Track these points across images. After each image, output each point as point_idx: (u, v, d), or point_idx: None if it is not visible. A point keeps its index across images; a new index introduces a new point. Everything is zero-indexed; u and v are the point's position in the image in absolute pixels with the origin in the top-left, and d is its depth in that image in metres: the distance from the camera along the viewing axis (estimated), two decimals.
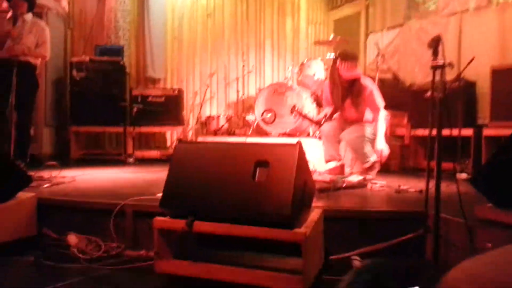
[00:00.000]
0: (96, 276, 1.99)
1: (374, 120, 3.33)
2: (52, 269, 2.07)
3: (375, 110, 3.32)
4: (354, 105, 3.38)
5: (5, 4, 3.88)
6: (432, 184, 2.03)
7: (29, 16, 3.77)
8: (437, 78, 1.99)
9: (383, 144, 3.25)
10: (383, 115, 3.34)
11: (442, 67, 1.82)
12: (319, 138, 3.87)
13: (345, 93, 3.38)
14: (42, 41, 3.80)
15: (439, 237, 1.95)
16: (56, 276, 1.98)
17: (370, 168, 3.30)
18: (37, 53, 3.78)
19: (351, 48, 5.72)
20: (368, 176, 3.24)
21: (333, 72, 3.43)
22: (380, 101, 3.34)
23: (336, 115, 3.60)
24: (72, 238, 2.30)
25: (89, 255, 2.19)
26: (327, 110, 3.67)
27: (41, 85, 4.21)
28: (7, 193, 2.39)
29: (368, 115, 3.41)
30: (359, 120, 3.41)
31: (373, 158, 3.28)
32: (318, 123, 3.70)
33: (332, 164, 3.48)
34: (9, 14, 3.72)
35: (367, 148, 3.29)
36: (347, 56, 3.30)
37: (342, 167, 3.56)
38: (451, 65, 1.83)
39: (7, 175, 2.42)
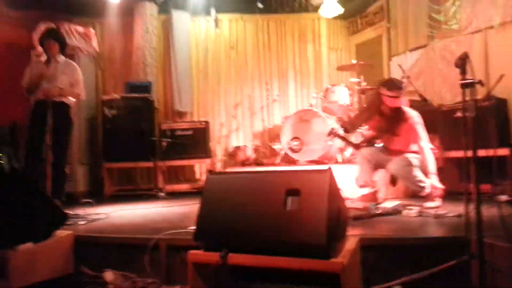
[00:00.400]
0: None
1: (420, 152, 3.22)
2: None
3: (417, 141, 3.22)
4: (396, 135, 3.30)
5: (39, 48, 4.10)
6: (471, 207, 1.96)
7: (61, 58, 3.95)
8: (467, 97, 1.94)
9: (436, 181, 3.11)
10: (428, 147, 3.21)
11: (472, 85, 1.78)
12: (356, 161, 3.77)
13: (388, 121, 3.31)
14: (76, 81, 3.96)
15: (484, 262, 1.86)
16: None
17: (429, 195, 3.17)
18: (72, 92, 3.93)
19: (375, 72, 5.74)
20: (430, 204, 3.12)
21: (376, 100, 3.36)
22: (422, 133, 3.23)
23: (376, 141, 3.53)
24: (109, 275, 2.33)
25: None
26: (367, 134, 3.62)
27: (75, 124, 4.36)
28: (46, 232, 2.46)
29: (413, 147, 3.30)
30: (402, 151, 3.31)
31: (428, 182, 3.15)
32: (357, 147, 3.62)
33: (366, 190, 3.40)
34: (43, 57, 3.92)
35: (418, 173, 3.17)
36: (392, 85, 3.22)
37: (375, 193, 3.46)
38: (480, 82, 1.79)
39: (45, 213, 2.50)
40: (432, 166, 3.15)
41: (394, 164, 3.27)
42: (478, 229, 1.87)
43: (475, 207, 1.91)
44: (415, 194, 3.31)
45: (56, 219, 2.58)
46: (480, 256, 1.82)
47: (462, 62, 1.85)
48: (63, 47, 4.00)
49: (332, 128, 4.10)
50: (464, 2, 4.55)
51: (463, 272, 2.08)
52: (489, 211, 2.24)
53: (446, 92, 4.54)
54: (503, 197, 3.35)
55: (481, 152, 2.03)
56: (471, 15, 4.47)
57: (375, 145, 3.50)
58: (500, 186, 3.60)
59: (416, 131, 3.22)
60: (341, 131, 4.08)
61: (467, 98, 1.97)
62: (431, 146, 3.27)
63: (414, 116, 3.28)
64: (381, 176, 3.52)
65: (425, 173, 3.18)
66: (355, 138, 4.06)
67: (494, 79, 3.71)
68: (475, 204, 1.91)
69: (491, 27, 4.28)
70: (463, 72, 1.83)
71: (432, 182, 3.11)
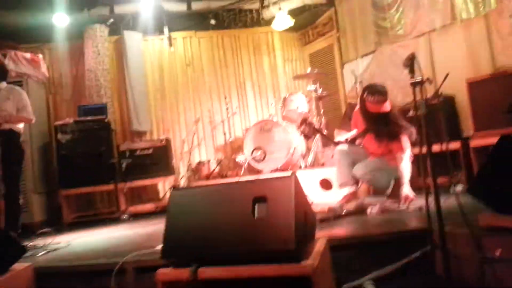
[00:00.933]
0: None
1: (398, 161, 3.16)
2: None
3: (399, 150, 3.18)
4: (378, 140, 3.26)
5: None
6: (430, 200, 2.04)
7: (3, 84, 3.76)
8: (417, 95, 2.03)
9: (408, 190, 3.09)
10: (408, 157, 3.19)
11: (421, 83, 1.87)
12: (333, 159, 3.66)
13: (371, 125, 3.26)
14: (23, 105, 3.77)
15: (447, 251, 1.93)
16: None
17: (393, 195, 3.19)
18: (21, 117, 3.75)
19: (330, 79, 5.91)
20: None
21: (361, 105, 3.29)
22: (406, 142, 3.19)
23: (358, 142, 3.45)
24: None
25: None
26: (349, 134, 3.50)
27: (27, 152, 4.16)
28: (2, 266, 2.31)
29: (392, 153, 3.25)
30: (383, 155, 3.28)
31: (390, 188, 3.18)
32: (335, 144, 3.54)
33: (346, 191, 3.31)
34: None
35: (383, 179, 3.19)
36: (374, 90, 3.17)
37: (355, 192, 3.40)
38: (429, 80, 1.89)
39: (1, 247, 2.35)
40: (407, 175, 3.12)
41: (361, 168, 3.23)
42: (439, 220, 1.93)
43: (434, 199, 1.98)
44: (377, 192, 3.38)
45: (12, 252, 2.43)
46: (443, 245, 1.89)
47: (410, 62, 1.94)
48: (4, 74, 3.82)
49: (306, 117, 4.02)
50: (407, 8, 4.81)
51: (428, 263, 2.16)
52: (447, 202, 2.33)
53: (397, 94, 4.73)
54: (459, 187, 3.52)
55: (435, 147, 2.12)
56: (414, 20, 4.73)
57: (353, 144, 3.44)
58: (455, 177, 3.78)
59: (401, 140, 3.18)
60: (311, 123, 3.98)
61: (417, 97, 2.06)
62: (410, 154, 3.25)
63: (398, 121, 3.24)
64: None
65: (399, 180, 3.18)
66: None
67: (441, 78, 3.91)
68: (434, 196, 1.99)
69: (434, 30, 4.54)
70: (412, 72, 1.92)
71: (405, 191, 3.09)
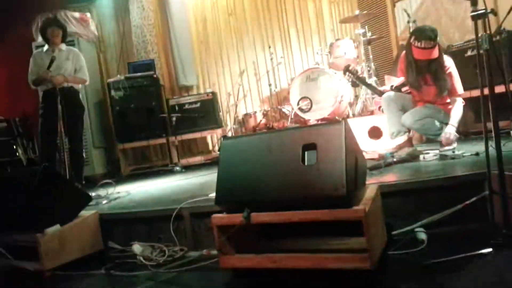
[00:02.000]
0: (164, 280, 2.05)
1: (451, 104, 3.04)
2: (122, 278, 2.16)
3: (452, 94, 3.03)
4: (431, 85, 3.06)
5: (39, 39, 4.06)
6: (489, 144, 1.93)
7: (63, 46, 3.92)
8: (480, 30, 1.84)
9: (453, 133, 2.95)
10: (460, 101, 3.04)
11: (484, 15, 1.69)
12: (382, 108, 3.55)
13: (421, 71, 3.04)
14: (80, 66, 3.95)
15: (506, 196, 1.85)
16: (127, 285, 2.07)
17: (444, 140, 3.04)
18: (78, 78, 3.93)
19: (380, 20, 5.56)
20: (446, 148, 2.99)
21: (407, 50, 3.09)
22: (459, 86, 3.03)
23: (405, 89, 3.27)
24: (137, 247, 2.39)
25: (155, 261, 2.27)
26: (397, 81, 3.32)
27: (85, 109, 4.38)
28: (71, 213, 2.53)
29: (442, 99, 3.10)
30: (430, 102, 3.12)
31: (444, 130, 3.02)
32: (381, 93, 3.39)
33: (401, 139, 3.20)
34: (45, 47, 3.89)
35: (433, 126, 3.05)
36: (422, 35, 2.90)
37: (410, 139, 3.28)
38: (493, 12, 1.70)
39: (68, 196, 2.56)
40: (454, 118, 2.99)
41: (409, 116, 3.10)
42: (499, 164, 1.84)
43: (494, 142, 1.87)
44: (430, 139, 3.25)
45: (79, 200, 2.65)
46: (502, 188, 1.80)
47: None
48: (65, 35, 3.96)
49: (348, 65, 3.85)
50: None
51: (484, 210, 2.08)
52: (507, 146, 2.20)
53: (454, 32, 4.40)
54: None
55: (497, 89, 1.97)
56: None
57: (400, 91, 3.27)
58: None
59: (454, 84, 3.01)
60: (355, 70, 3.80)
61: (480, 32, 1.88)
62: (462, 100, 3.09)
63: (451, 65, 3.04)
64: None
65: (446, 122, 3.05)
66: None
67: (504, 12, 3.56)
68: (494, 139, 1.87)
69: None
70: (474, 3, 1.72)
71: (446, 130, 2.97)
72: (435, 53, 2.92)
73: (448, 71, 3.01)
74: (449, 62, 3.06)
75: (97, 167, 5.31)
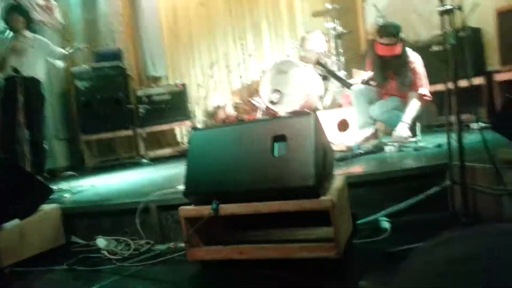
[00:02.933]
0: (130, 274, 2.01)
1: (408, 98, 3.09)
2: (86, 273, 2.09)
3: (414, 89, 3.08)
4: (393, 80, 3.12)
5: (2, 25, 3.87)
6: (451, 136, 1.99)
7: (28, 33, 3.77)
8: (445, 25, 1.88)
9: (405, 130, 3.00)
10: (417, 97, 3.07)
11: (450, 11, 1.74)
12: (351, 101, 3.60)
13: (384, 66, 3.09)
14: (53, 51, 3.94)
15: (466, 186, 1.91)
16: (92, 280, 2.00)
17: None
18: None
19: (351, 15, 5.62)
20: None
21: (372, 46, 3.14)
22: (420, 83, 3.07)
23: (372, 82, 3.31)
24: (101, 242, 2.32)
25: (120, 255, 2.21)
26: (366, 75, 3.37)
27: (48, 99, 4.21)
28: (31, 207, 2.43)
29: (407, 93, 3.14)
30: (395, 95, 3.18)
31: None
32: (350, 85, 3.44)
33: (368, 132, 3.27)
34: (7, 33, 3.71)
35: (397, 120, 3.08)
36: (385, 31, 2.95)
37: (376, 132, 3.36)
38: (459, 8, 1.75)
39: (28, 189, 2.45)
40: (409, 116, 3.03)
41: (377, 108, 3.17)
42: (460, 154, 1.89)
43: (457, 134, 1.93)
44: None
45: (40, 194, 2.55)
46: (462, 179, 1.86)
47: None
48: (29, 21, 3.80)
49: (318, 58, 3.89)
50: None
51: (445, 200, 2.15)
52: (467, 139, 2.27)
53: (421, 28, 4.50)
54: (475, 125, 3.43)
55: (460, 83, 2.03)
56: None
57: (369, 85, 3.32)
58: (474, 114, 3.67)
59: (416, 79, 3.06)
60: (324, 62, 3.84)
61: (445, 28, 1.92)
62: (427, 93, 3.14)
63: (417, 61, 3.09)
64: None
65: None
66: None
67: (467, 9, 3.68)
68: (457, 131, 1.93)
69: None
70: None
71: (397, 129, 3.02)
72: (398, 50, 2.97)
73: (412, 66, 3.07)
74: (414, 57, 3.11)
75: (60, 159, 5.11)
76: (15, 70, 3.44)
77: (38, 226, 2.40)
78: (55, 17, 5.30)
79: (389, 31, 2.95)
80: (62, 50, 3.87)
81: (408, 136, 3.03)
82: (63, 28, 5.61)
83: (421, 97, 3.10)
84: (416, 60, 3.11)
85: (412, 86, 3.10)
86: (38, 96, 3.83)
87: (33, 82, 3.74)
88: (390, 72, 3.09)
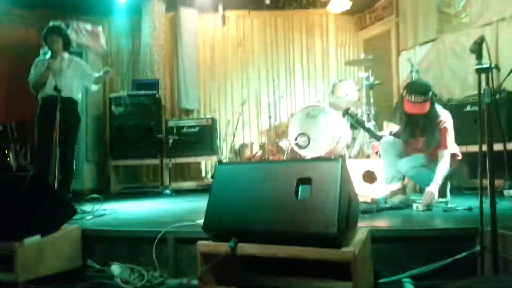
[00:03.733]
0: None
1: (439, 158, 2.99)
2: None
3: (441, 148, 3.00)
4: (422, 138, 3.06)
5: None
6: (483, 200, 1.92)
7: (66, 54, 3.94)
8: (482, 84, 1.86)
9: (435, 189, 2.90)
10: (448, 156, 2.98)
11: (488, 69, 1.72)
12: (377, 154, 3.60)
13: (411, 124, 3.04)
14: (89, 73, 4.03)
15: (497, 253, 1.82)
16: None
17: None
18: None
19: (384, 66, 5.67)
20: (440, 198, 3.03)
21: (400, 102, 3.11)
22: (450, 141, 3.01)
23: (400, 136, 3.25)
24: (116, 268, 2.31)
25: (133, 284, 2.19)
26: (395, 128, 3.35)
27: (82, 121, 4.36)
28: (53, 225, 2.46)
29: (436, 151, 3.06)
30: (423, 151, 3.11)
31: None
32: (379, 137, 3.42)
33: (395, 186, 3.20)
34: (48, 54, 3.90)
35: (425, 177, 3.01)
36: (413, 89, 2.91)
37: (404, 187, 3.28)
38: (497, 67, 1.74)
39: (53, 207, 2.49)
40: (440, 177, 2.93)
41: (406, 163, 3.12)
42: (492, 220, 1.82)
43: (490, 199, 1.86)
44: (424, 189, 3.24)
45: (64, 213, 2.57)
46: (493, 246, 1.77)
47: (478, 46, 1.77)
48: (68, 44, 3.99)
49: (348, 108, 3.88)
50: None
51: (473, 266, 2.05)
52: (499, 205, 2.19)
53: (455, 87, 4.48)
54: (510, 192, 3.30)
55: (495, 146, 1.98)
56: (482, 7, 4.41)
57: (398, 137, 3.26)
58: (509, 181, 3.55)
59: (445, 138, 2.99)
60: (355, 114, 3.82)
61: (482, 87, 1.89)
62: (456, 152, 3.08)
63: (447, 120, 3.03)
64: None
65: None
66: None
67: (505, 73, 3.65)
68: (490, 196, 1.86)
69: (503, 19, 4.21)
70: (479, 57, 1.75)
71: (428, 188, 2.91)
72: (426, 108, 2.92)
73: (442, 126, 3.00)
74: (445, 116, 3.06)
75: (86, 181, 5.21)
76: (56, 89, 3.58)
77: (58, 245, 2.41)
78: (99, 42, 5.60)
79: (417, 89, 2.90)
80: (94, 73, 4.02)
81: (436, 198, 2.93)
82: (106, 54, 5.90)
83: (452, 156, 3.03)
84: (447, 119, 3.05)
85: (441, 145, 3.02)
86: (74, 116, 3.95)
87: (70, 102, 3.87)
88: (418, 130, 3.04)
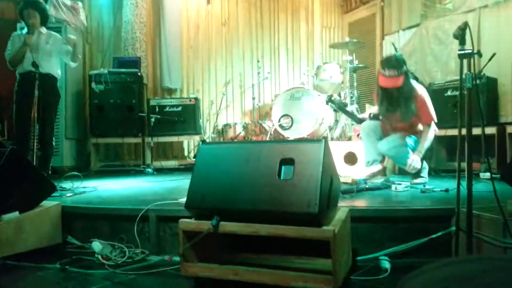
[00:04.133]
0: (121, 281, 1.97)
1: (423, 132, 3.13)
2: (78, 275, 2.06)
3: (426, 122, 3.11)
4: (401, 114, 3.12)
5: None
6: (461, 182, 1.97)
7: (44, 29, 3.82)
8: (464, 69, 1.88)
9: (417, 160, 3.03)
10: (433, 129, 3.11)
11: (470, 55, 1.74)
12: (358, 137, 3.67)
13: (387, 98, 3.09)
14: (66, 50, 3.89)
15: (471, 233, 1.88)
16: (82, 283, 1.97)
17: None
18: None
19: (368, 50, 5.69)
20: (417, 180, 3.16)
21: (376, 78, 3.16)
22: (432, 114, 3.11)
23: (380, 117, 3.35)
24: (96, 245, 2.30)
25: (114, 261, 2.18)
26: (375, 109, 3.42)
27: (62, 98, 4.26)
28: (32, 201, 2.42)
29: (416, 127, 3.19)
30: (404, 129, 3.20)
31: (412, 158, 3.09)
32: (360, 121, 3.50)
33: (375, 168, 3.29)
34: (25, 29, 3.77)
35: (408, 155, 3.10)
36: (388, 63, 2.96)
37: (384, 169, 3.37)
38: (479, 53, 1.76)
39: (32, 183, 2.45)
40: (423, 147, 3.08)
41: (386, 143, 3.18)
42: (469, 202, 1.87)
43: (467, 181, 1.91)
44: (403, 171, 3.32)
45: (43, 189, 2.54)
46: (469, 227, 1.84)
47: (462, 32, 1.79)
48: (45, 19, 3.86)
49: (331, 95, 3.98)
50: None
51: (448, 245, 2.12)
52: (475, 187, 2.26)
53: (437, 72, 4.55)
54: (486, 175, 3.41)
55: (474, 130, 2.03)
56: None
57: (378, 119, 3.35)
58: (485, 163, 3.66)
59: (426, 111, 3.08)
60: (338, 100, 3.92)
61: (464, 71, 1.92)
62: (436, 129, 3.18)
63: (423, 93, 3.10)
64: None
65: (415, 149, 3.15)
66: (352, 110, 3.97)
67: (485, 59, 3.72)
68: (466, 178, 1.92)
69: (485, 6, 4.27)
70: (462, 42, 1.77)
71: (414, 157, 3.06)
72: (399, 82, 2.98)
73: (420, 99, 3.08)
74: (421, 90, 3.13)
75: (66, 158, 5.13)
76: (34, 65, 3.48)
77: (37, 221, 2.39)
78: (79, 18, 5.43)
79: (392, 64, 2.96)
80: (69, 47, 3.91)
81: (419, 166, 3.07)
82: (86, 30, 5.74)
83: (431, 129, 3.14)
84: (422, 92, 3.12)
85: (422, 118, 3.12)
86: (53, 93, 3.86)
87: (49, 78, 3.77)
88: (394, 103, 3.10)
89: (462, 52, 1.74)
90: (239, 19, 6.33)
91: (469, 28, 1.78)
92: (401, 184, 3.00)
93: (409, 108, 3.06)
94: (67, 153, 5.16)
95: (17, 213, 2.29)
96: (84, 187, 3.46)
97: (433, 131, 3.13)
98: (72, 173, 3.68)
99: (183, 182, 3.77)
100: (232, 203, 1.74)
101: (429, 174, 3.33)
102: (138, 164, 5.28)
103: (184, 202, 1.84)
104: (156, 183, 3.93)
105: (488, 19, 4.27)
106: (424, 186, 2.96)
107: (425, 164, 3.36)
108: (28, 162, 2.65)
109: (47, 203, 2.52)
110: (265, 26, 6.38)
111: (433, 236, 2.08)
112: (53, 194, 2.69)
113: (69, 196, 3.05)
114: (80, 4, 5.52)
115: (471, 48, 1.74)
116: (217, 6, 6.27)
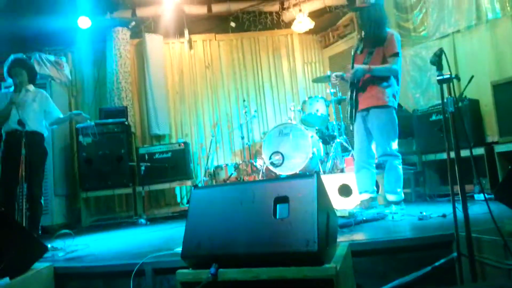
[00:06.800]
0: None
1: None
2: None
3: (390, 51, 3.20)
4: (369, 40, 3.30)
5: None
6: (456, 206, 1.96)
7: (31, 86, 3.84)
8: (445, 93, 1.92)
9: (361, 68, 3.25)
10: (393, 67, 3.19)
11: (449, 79, 1.79)
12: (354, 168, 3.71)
13: (363, 24, 3.31)
14: (50, 109, 3.89)
15: (474, 258, 1.85)
16: None
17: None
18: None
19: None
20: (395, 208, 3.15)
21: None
22: (397, 46, 3.21)
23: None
24: None
25: None
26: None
27: (49, 154, 4.21)
28: (23, 265, 2.33)
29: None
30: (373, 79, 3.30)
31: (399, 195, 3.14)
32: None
33: (365, 196, 3.30)
34: (12, 88, 3.79)
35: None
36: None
37: (375, 198, 3.36)
38: (457, 77, 1.81)
39: (22, 246, 2.37)
40: (374, 68, 3.23)
41: (374, 119, 3.29)
42: (467, 226, 1.86)
43: (462, 205, 1.90)
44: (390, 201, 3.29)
45: (34, 251, 2.45)
46: (470, 251, 1.81)
47: (438, 59, 1.85)
48: (33, 76, 3.89)
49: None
50: (431, 9, 4.71)
51: (451, 271, 2.08)
52: (472, 210, 2.25)
53: (419, 97, 4.64)
54: (480, 196, 3.41)
55: (464, 152, 2.04)
56: (438, 20, 4.63)
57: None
58: (478, 185, 3.67)
59: (392, 42, 3.20)
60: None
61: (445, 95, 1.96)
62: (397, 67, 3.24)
63: (395, 33, 3.27)
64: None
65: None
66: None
67: (465, 81, 3.82)
68: (461, 202, 1.91)
69: (458, 31, 4.43)
70: (440, 68, 1.82)
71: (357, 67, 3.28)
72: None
73: (390, 34, 3.22)
74: (392, 31, 3.29)
75: (56, 216, 5.00)
76: (20, 123, 3.45)
77: (29, 286, 2.29)
78: (63, 72, 5.49)
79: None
80: (58, 113, 3.93)
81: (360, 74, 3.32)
82: (71, 84, 5.79)
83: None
84: (393, 32, 3.27)
85: (388, 47, 3.21)
86: (40, 151, 3.81)
87: (36, 136, 3.74)
88: (365, 26, 3.28)
89: (441, 77, 1.78)
90: (222, 61, 6.47)
91: (445, 54, 1.84)
92: (397, 213, 2.98)
93: (380, 34, 3.21)
94: (57, 210, 5.04)
95: (7, 279, 2.19)
96: (76, 245, 3.35)
97: (394, 69, 3.19)
98: (63, 231, 3.57)
99: (177, 230, 3.69)
100: (229, 248, 1.69)
101: (424, 200, 3.31)
102: (130, 216, 5.17)
103: (180, 251, 1.78)
104: (149, 234, 3.83)
105: (462, 43, 4.42)
106: (421, 213, 2.94)
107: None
108: (17, 224, 2.58)
109: (38, 266, 2.43)
110: (248, 65, 6.52)
111: (436, 264, 2.04)
112: (45, 255, 2.59)
113: (62, 256, 2.94)
114: (64, 59, 5.61)
115: (449, 73, 1.78)
116: (199, 50, 6.41)
